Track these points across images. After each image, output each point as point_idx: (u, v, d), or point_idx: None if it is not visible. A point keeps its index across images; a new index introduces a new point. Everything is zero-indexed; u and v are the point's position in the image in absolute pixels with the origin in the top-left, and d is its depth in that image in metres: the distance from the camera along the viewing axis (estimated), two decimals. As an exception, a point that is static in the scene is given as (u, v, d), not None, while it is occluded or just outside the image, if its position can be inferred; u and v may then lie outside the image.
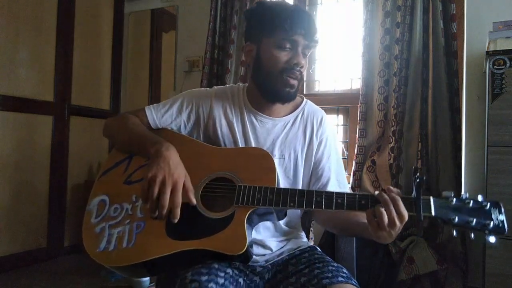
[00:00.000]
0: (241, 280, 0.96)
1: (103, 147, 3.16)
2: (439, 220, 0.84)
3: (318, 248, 1.14)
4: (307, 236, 1.25)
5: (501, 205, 0.84)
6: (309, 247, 1.12)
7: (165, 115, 1.14)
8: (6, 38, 2.52)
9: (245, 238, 0.88)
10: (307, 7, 2.65)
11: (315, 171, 1.13)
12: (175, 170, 0.92)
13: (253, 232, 1.02)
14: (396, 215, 0.82)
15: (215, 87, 1.21)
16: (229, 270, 0.94)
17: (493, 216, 0.83)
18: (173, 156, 0.95)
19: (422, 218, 0.83)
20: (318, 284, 0.92)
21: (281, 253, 1.08)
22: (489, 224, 0.82)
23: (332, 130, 1.19)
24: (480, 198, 0.86)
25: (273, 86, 1.06)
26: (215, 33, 2.67)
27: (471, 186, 2.03)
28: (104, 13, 3.22)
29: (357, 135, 2.24)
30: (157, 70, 3.28)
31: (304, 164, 1.13)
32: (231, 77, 2.61)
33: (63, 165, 2.88)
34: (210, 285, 0.85)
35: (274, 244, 1.09)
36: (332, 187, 1.11)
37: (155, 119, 1.13)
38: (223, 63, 2.66)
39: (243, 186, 0.95)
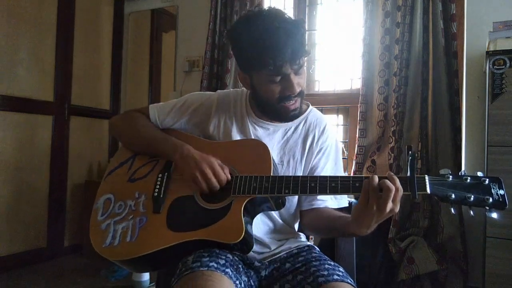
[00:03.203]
0: (240, 266, 0.98)
1: (103, 147, 3.17)
2: (436, 198, 0.83)
3: (316, 247, 1.14)
4: (307, 236, 1.25)
5: (501, 180, 0.82)
6: (307, 246, 1.13)
7: (168, 117, 1.17)
8: (6, 38, 2.52)
9: (242, 226, 0.90)
10: (307, 7, 2.65)
11: None
12: (202, 160, 0.99)
13: (253, 228, 1.02)
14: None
15: (218, 91, 1.21)
16: (229, 255, 0.96)
17: (492, 191, 0.80)
18: (192, 151, 1.03)
19: (417, 196, 0.82)
20: (314, 282, 0.92)
21: (279, 252, 1.09)
22: (488, 199, 0.79)
23: (334, 140, 1.17)
24: (479, 174, 0.83)
25: (274, 112, 1.08)
26: (215, 33, 2.67)
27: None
28: (104, 13, 3.22)
29: (357, 135, 2.24)
30: (157, 70, 3.28)
31: (302, 172, 1.13)
32: (231, 77, 2.61)
33: (63, 165, 2.88)
34: (211, 263, 0.88)
35: (273, 242, 1.10)
36: (324, 197, 1.10)
37: (157, 120, 1.17)
38: (223, 63, 2.66)
39: (239, 176, 0.97)
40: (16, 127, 2.59)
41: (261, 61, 0.97)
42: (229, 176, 0.99)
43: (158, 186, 1.03)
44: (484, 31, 1.95)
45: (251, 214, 0.99)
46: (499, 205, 0.79)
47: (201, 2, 2.85)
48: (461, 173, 0.84)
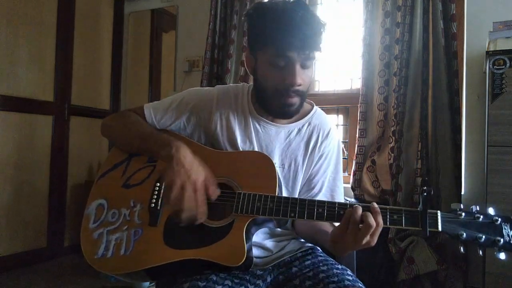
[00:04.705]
0: None
1: (103, 147, 3.16)
2: (447, 235, 0.81)
3: (319, 249, 1.12)
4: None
5: None
6: (310, 248, 1.10)
7: (165, 117, 1.08)
8: (6, 38, 2.52)
9: (244, 250, 0.86)
10: (307, 7, 2.65)
11: (308, 182, 1.09)
12: (192, 171, 0.89)
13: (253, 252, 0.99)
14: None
15: (218, 86, 1.14)
16: (227, 282, 0.92)
17: (504, 232, 0.79)
18: (187, 156, 0.91)
19: (428, 234, 0.80)
20: None
21: (282, 255, 1.05)
22: (499, 241, 0.78)
23: (337, 145, 1.12)
24: (492, 211, 0.81)
25: (269, 105, 1.02)
26: (215, 33, 2.67)
27: (471, 186, 2.03)
28: (104, 13, 3.22)
29: (357, 135, 2.24)
30: (157, 70, 3.28)
31: (303, 176, 1.09)
32: (231, 77, 2.61)
33: (63, 165, 2.88)
34: None
35: (273, 245, 1.06)
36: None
37: (153, 119, 1.08)
38: (223, 63, 2.66)
39: (242, 193, 0.91)
40: (16, 127, 2.59)
41: (270, 38, 0.92)
42: (203, 201, 0.89)
43: (155, 196, 0.96)
44: (484, 31, 1.95)
45: (252, 232, 0.94)
46: (509, 247, 0.78)
47: (201, 2, 2.85)
48: (472, 209, 0.82)
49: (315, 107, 1.14)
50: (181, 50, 3.02)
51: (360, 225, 0.81)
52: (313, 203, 0.88)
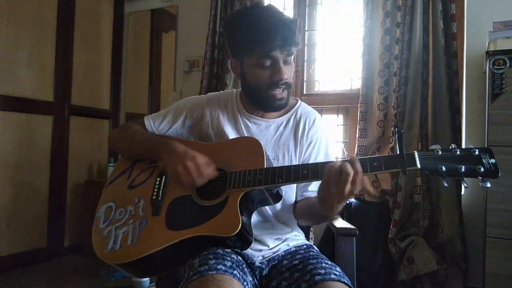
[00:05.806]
0: (244, 266, 0.98)
1: (103, 147, 3.16)
2: (427, 172, 0.82)
3: (314, 247, 1.15)
4: (307, 237, 1.25)
5: (491, 150, 0.81)
6: (306, 245, 1.14)
7: (162, 124, 1.21)
8: (6, 38, 2.52)
9: (238, 218, 0.91)
10: (307, 7, 2.65)
11: None
12: (187, 154, 1.00)
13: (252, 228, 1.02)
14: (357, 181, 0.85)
15: (208, 93, 1.26)
16: (234, 256, 0.97)
17: (483, 160, 0.80)
18: (180, 146, 1.04)
19: (406, 172, 0.82)
20: (310, 281, 0.93)
21: (277, 250, 1.10)
22: (480, 169, 0.79)
23: (325, 132, 1.19)
24: (470, 146, 0.83)
25: (262, 101, 1.10)
26: (215, 33, 2.67)
27: (471, 186, 2.02)
28: (104, 13, 3.22)
29: (357, 135, 2.24)
30: (157, 70, 3.28)
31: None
32: (231, 77, 2.61)
33: (63, 165, 2.88)
34: (219, 266, 0.88)
35: (271, 241, 1.11)
36: (314, 188, 1.13)
37: (153, 127, 1.21)
38: (223, 63, 2.66)
39: (234, 172, 0.99)
40: (16, 127, 2.59)
41: (253, 44, 1.02)
42: (215, 173, 1.01)
43: (156, 189, 1.05)
44: (484, 31, 1.95)
45: (248, 209, 0.99)
46: (491, 174, 0.79)
47: (201, 2, 2.85)
48: (451, 146, 0.84)
49: (300, 101, 1.23)
50: (181, 50, 3.02)
51: (341, 176, 0.85)
52: (298, 167, 0.95)
